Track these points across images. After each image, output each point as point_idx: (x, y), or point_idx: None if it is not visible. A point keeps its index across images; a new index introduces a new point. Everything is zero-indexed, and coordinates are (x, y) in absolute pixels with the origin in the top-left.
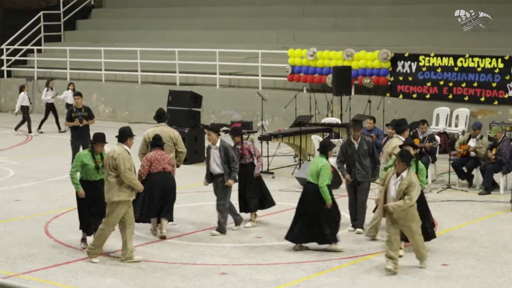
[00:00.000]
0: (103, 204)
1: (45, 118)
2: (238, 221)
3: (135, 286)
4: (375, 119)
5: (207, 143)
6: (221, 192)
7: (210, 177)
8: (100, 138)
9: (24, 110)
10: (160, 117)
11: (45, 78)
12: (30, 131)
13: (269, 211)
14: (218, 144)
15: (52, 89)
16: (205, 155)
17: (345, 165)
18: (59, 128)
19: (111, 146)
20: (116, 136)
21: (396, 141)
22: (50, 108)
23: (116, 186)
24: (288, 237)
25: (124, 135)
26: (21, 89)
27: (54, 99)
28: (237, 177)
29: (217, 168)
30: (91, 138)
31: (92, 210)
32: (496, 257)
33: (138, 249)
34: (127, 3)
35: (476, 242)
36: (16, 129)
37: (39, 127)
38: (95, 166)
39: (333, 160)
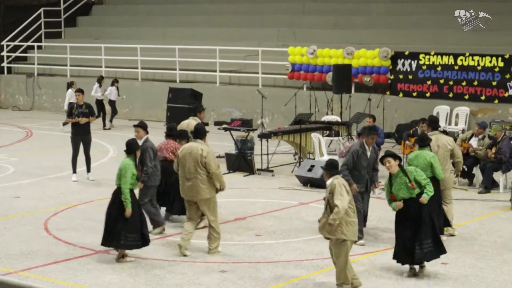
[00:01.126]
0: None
1: (99, 115)
2: (157, 224)
3: (134, 283)
4: (375, 118)
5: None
6: (140, 191)
7: None
8: (137, 143)
9: (112, 105)
10: (193, 110)
11: (45, 75)
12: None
13: (268, 209)
14: (140, 143)
15: (101, 86)
16: None
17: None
18: (104, 125)
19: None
20: (192, 133)
21: (439, 137)
22: (100, 104)
23: (206, 184)
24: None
25: (201, 132)
26: (69, 86)
27: (104, 96)
28: (149, 180)
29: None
30: (125, 147)
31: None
32: (495, 256)
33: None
34: (127, 0)
35: (475, 241)
36: (64, 124)
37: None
38: (136, 176)
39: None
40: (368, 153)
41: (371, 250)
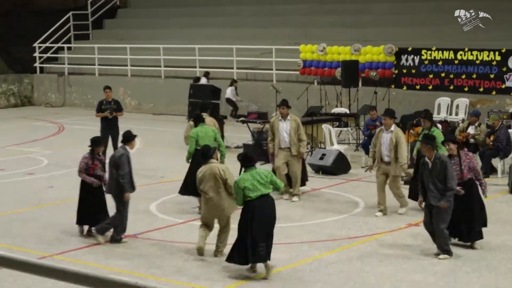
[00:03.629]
0: None
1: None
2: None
3: (161, 264)
4: (376, 110)
5: None
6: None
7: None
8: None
9: (229, 103)
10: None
11: (75, 74)
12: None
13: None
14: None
15: (236, 88)
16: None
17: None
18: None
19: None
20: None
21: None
22: (234, 106)
23: None
24: None
25: None
26: (231, 83)
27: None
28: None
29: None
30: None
31: None
32: (494, 237)
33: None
34: (150, 3)
35: None
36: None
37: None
38: None
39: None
40: (430, 165)
41: (379, 231)
